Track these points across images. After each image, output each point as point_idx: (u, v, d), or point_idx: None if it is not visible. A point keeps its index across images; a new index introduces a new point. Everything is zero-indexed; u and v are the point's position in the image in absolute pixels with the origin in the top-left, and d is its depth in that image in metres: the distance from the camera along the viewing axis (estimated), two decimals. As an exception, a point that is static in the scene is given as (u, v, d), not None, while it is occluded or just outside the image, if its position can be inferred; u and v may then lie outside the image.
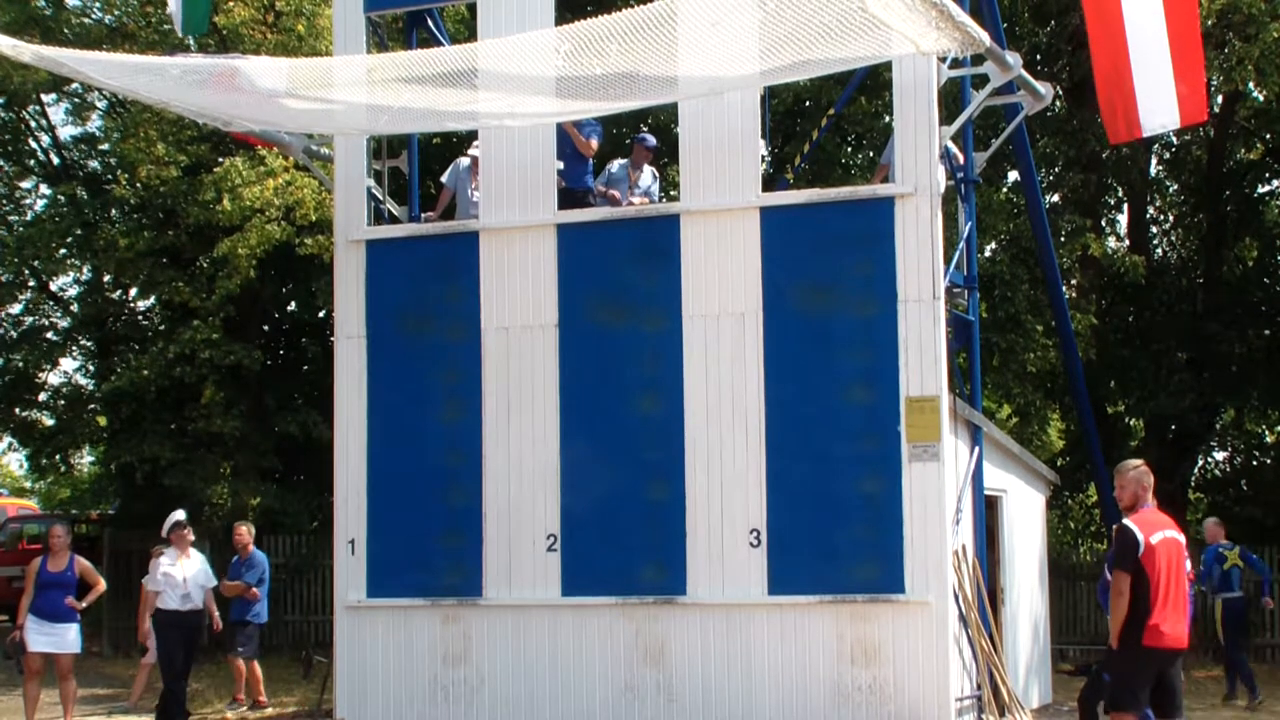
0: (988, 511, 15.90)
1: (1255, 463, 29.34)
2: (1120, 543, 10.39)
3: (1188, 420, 26.49)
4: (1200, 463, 29.72)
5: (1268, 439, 30.04)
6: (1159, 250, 29.37)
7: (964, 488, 14.77)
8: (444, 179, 16.83)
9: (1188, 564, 10.78)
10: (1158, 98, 14.59)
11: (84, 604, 16.13)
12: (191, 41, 24.32)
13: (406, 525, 15.33)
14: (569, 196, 15.59)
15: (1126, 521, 10.44)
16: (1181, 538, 10.57)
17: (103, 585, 16.61)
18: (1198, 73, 14.72)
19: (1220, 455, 30.68)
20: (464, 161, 16.52)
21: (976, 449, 15.19)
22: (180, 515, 16.94)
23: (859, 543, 13.85)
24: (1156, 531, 10.36)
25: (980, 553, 15.06)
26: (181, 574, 16.43)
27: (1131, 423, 28.87)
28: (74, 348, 29.02)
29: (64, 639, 15.91)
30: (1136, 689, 10.35)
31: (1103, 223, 28.26)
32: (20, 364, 27.70)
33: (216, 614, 16.83)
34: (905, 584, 13.74)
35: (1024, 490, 17.83)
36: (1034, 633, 17.90)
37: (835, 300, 14.09)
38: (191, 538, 16.77)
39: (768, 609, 14.15)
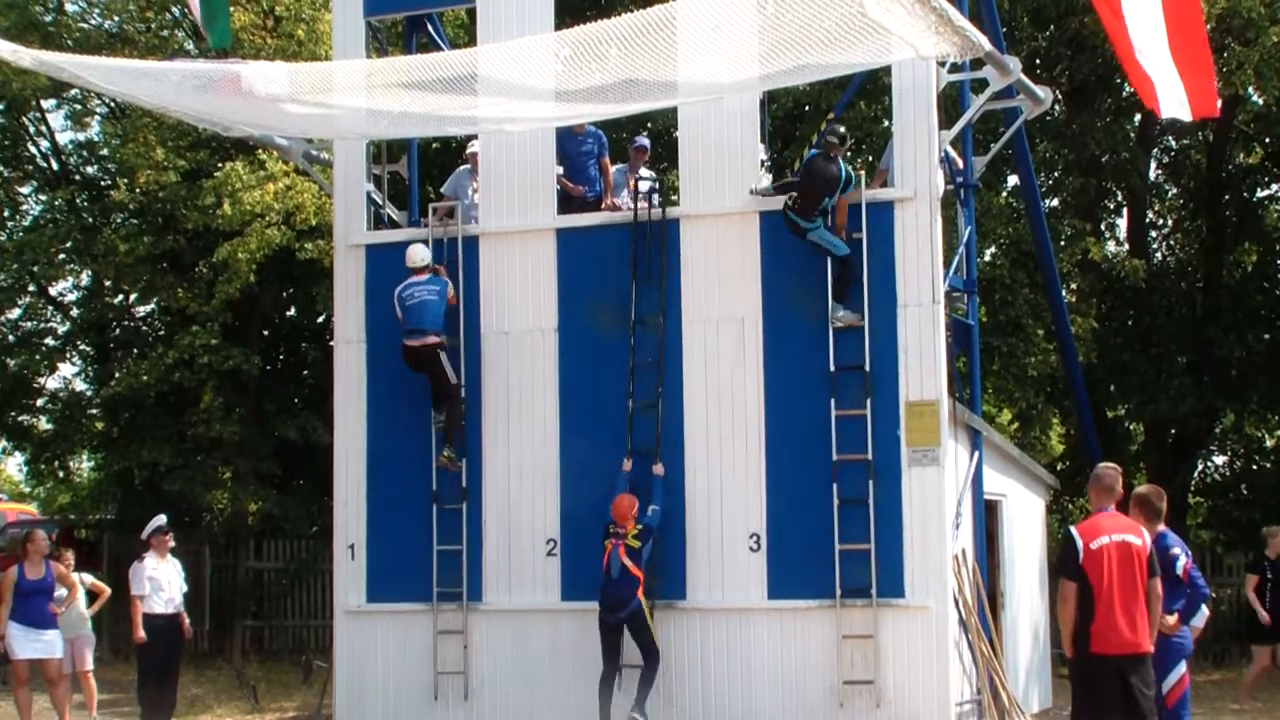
0: (988, 516, 15.89)
1: (1255, 467, 29.32)
2: (1061, 551, 10.43)
3: (1188, 424, 26.50)
4: (1200, 467, 29.71)
5: (1268, 443, 30.03)
6: (1158, 254, 29.38)
7: (964, 492, 14.77)
8: (444, 189, 16.77)
9: (1152, 565, 10.52)
10: (1169, 89, 14.58)
11: (63, 609, 16.17)
12: (192, 47, 24.33)
13: (406, 530, 15.33)
14: (575, 200, 15.61)
15: (1069, 528, 10.51)
16: (1139, 540, 10.35)
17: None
18: (1206, 69, 14.66)
19: (1220, 459, 30.68)
20: (464, 168, 16.50)
21: (976, 453, 15.19)
22: (162, 520, 16.91)
23: (859, 547, 13.84)
24: (1100, 536, 10.28)
25: (980, 557, 15.06)
26: (166, 577, 16.42)
27: (1132, 427, 28.86)
28: (73, 353, 29.00)
29: (51, 645, 15.94)
30: (1096, 698, 10.26)
31: (1102, 227, 28.28)
32: (19, 369, 27.66)
33: (188, 620, 16.80)
34: (905, 588, 13.74)
35: (1024, 494, 17.82)
36: (1034, 637, 17.90)
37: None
38: (171, 543, 16.74)
39: (767, 613, 14.15)
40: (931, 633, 13.68)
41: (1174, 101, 14.67)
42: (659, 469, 14.35)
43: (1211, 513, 29.62)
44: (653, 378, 14.60)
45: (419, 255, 15.08)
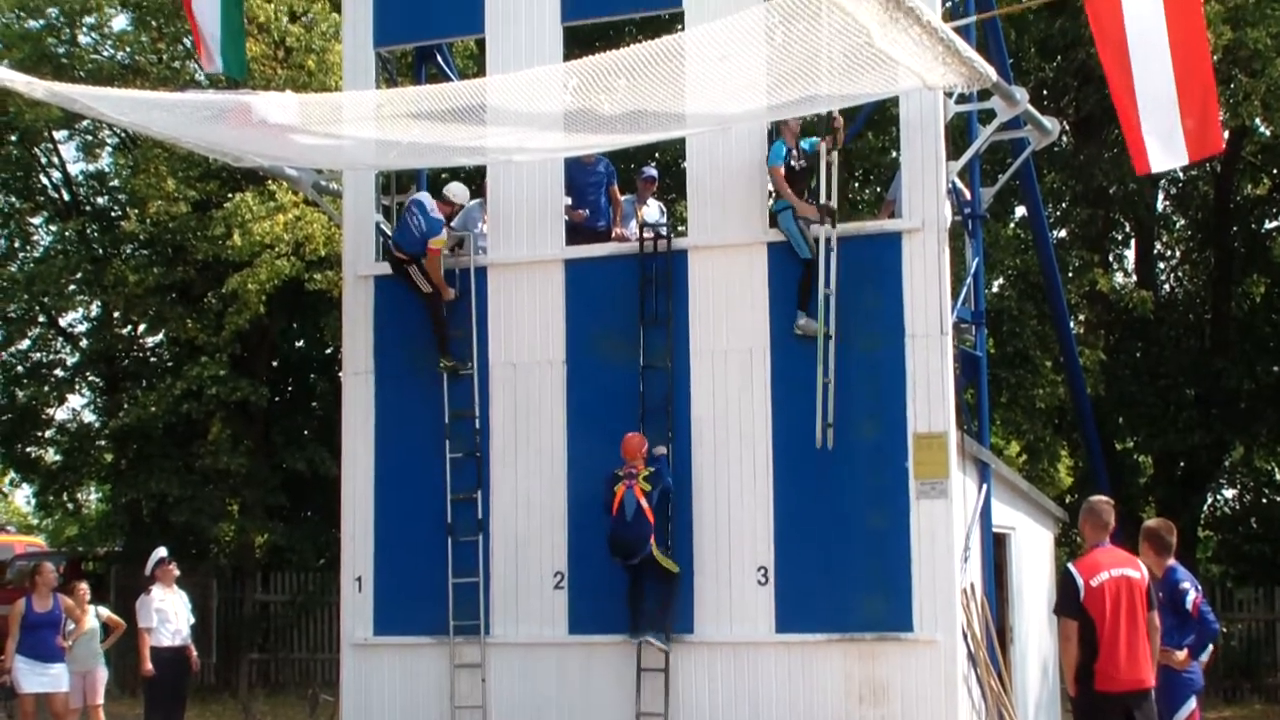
0: (996, 549, 15.83)
1: (1264, 500, 29.24)
2: (1060, 589, 10.36)
3: (1197, 457, 26.43)
4: (1210, 500, 29.62)
5: (1278, 476, 29.93)
6: (1166, 286, 29.36)
7: (972, 525, 14.70)
8: (454, 223, 16.75)
9: (1150, 598, 10.46)
10: (1165, 134, 14.55)
11: (70, 642, 16.12)
12: (203, 77, 24.42)
13: (414, 562, 15.28)
14: (584, 230, 15.60)
15: (1068, 565, 10.39)
16: (1138, 573, 10.29)
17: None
18: (1210, 105, 14.62)
19: (1230, 493, 30.59)
20: (475, 201, 16.47)
21: (985, 486, 15.14)
22: (163, 552, 16.89)
23: (867, 580, 13.79)
24: (1100, 572, 10.20)
25: (989, 591, 14.99)
26: (173, 609, 16.39)
27: (1140, 459, 28.79)
28: (82, 384, 29.04)
29: (58, 679, 15.88)
30: None
31: (1110, 258, 28.28)
32: (28, 400, 27.71)
33: (195, 652, 16.77)
34: (914, 622, 13.68)
35: (1032, 528, 17.77)
36: (1043, 672, 17.82)
37: (843, 336, 14.06)
38: (176, 573, 16.72)
39: (775, 647, 14.09)
40: (940, 667, 13.60)
41: (1168, 148, 14.60)
42: (660, 449, 14.37)
43: (1221, 546, 29.50)
44: (661, 410, 14.58)
45: (453, 191, 15.66)
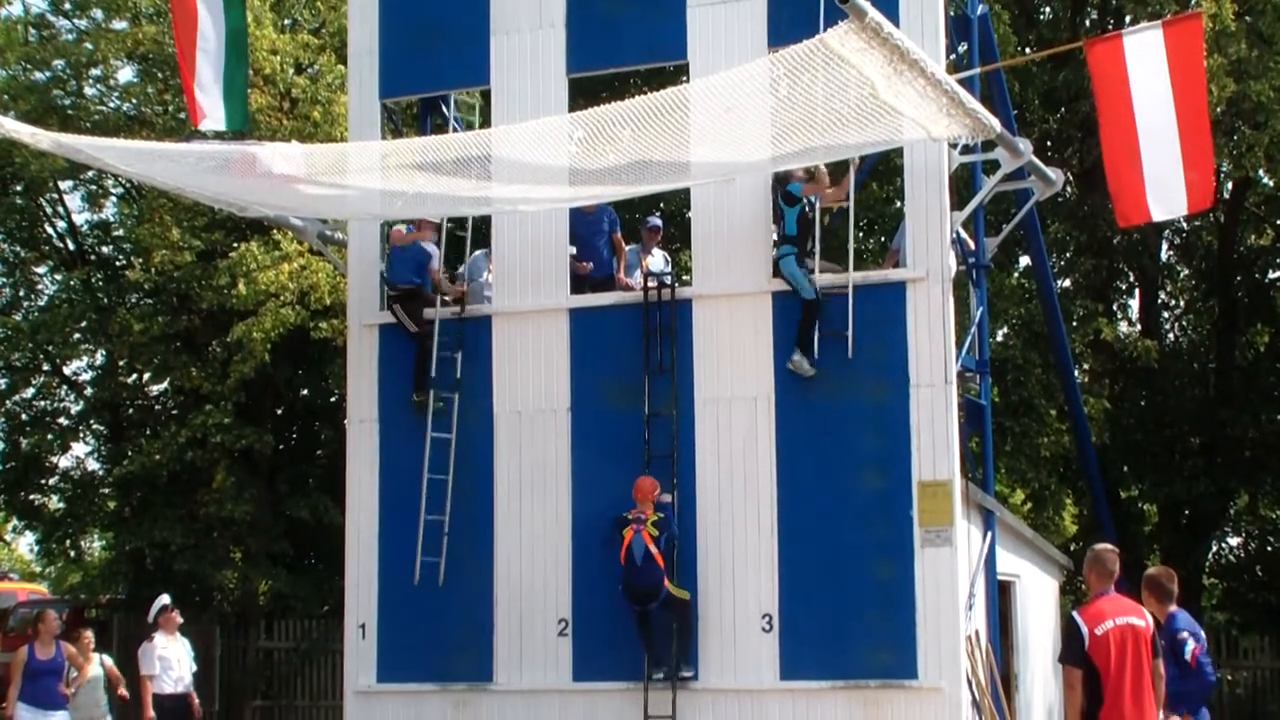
0: (1001, 597, 15.81)
1: (1269, 548, 29.16)
2: (1065, 636, 10.32)
3: (1202, 505, 26.38)
4: (1215, 548, 29.55)
5: (1282, 524, 29.89)
6: (1171, 335, 29.36)
7: (977, 573, 14.70)
8: (460, 270, 16.82)
9: (1155, 647, 10.40)
10: (1166, 184, 14.63)
11: (72, 690, 16.08)
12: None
13: (417, 609, 15.27)
14: (588, 279, 15.64)
15: (1073, 613, 10.35)
16: (1142, 622, 10.23)
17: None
18: (1207, 159, 14.73)
19: (1234, 540, 30.53)
20: (480, 251, 16.53)
21: (989, 534, 15.14)
22: (166, 599, 16.87)
23: (872, 628, 13.78)
24: (1105, 620, 10.16)
25: (994, 638, 14.97)
26: (175, 656, 16.36)
27: (1145, 507, 28.74)
28: (86, 432, 29.03)
29: None
30: None
31: (1114, 307, 28.31)
32: (31, 448, 27.70)
33: (197, 700, 16.72)
34: (918, 669, 13.66)
35: (1037, 576, 17.74)
36: (1048, 719, 17.75)
37: (847, 384, 14.09)
38: (179, 620, 16.70)
39: (779, 694, 14.06)
40: (944, 715, 13.57)
41: (1169, 197, 14.68)
42: (666, 496, 14.41)
43: (1226, 594, 29.42)
44: (666, 458, 14.59)
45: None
